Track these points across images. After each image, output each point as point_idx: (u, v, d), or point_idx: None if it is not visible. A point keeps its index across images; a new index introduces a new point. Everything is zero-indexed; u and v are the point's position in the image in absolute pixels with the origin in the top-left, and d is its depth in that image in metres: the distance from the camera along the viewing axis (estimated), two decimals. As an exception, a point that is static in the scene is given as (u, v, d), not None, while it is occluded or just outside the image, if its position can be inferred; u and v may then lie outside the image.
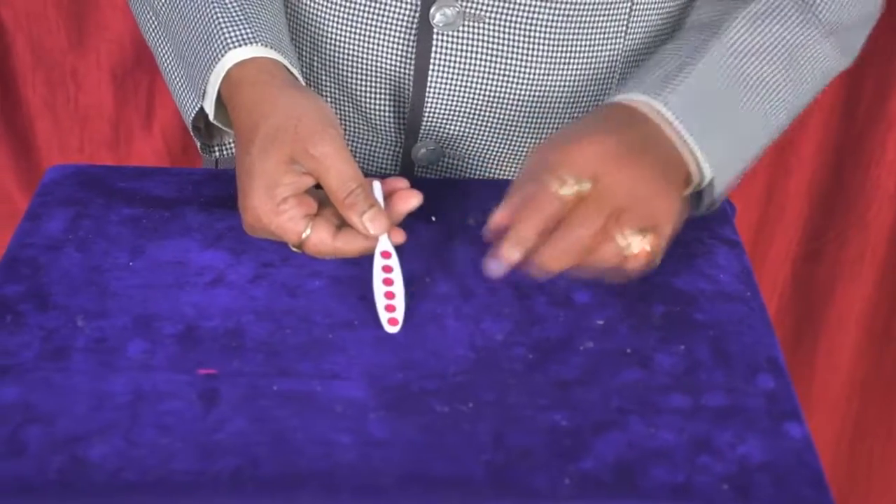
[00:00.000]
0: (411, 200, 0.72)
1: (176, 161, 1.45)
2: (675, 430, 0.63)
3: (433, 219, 0.79)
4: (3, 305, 0.70)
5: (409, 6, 0.81)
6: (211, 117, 0.77)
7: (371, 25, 0.82)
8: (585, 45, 0.83)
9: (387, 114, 0.87)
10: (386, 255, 0.71)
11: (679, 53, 0.78)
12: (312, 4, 0.84)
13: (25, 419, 0.62)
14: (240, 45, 0.74)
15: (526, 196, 0.68)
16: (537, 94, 0.85)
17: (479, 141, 0.87)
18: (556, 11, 0.81)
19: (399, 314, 0.70)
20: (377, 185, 0.72)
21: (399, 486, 0.60)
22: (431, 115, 0.85)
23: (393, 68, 0.84)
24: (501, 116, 0.86)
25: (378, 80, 0.85)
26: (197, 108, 0.78)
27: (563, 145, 0.69)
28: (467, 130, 0.86)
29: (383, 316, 0.70)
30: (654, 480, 0.60)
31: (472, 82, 0.84)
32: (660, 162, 0.71)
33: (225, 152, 0.84)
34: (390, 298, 0.70)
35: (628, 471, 0.61)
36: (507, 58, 0.83)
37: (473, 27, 0.81)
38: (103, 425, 0.62)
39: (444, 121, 0.85)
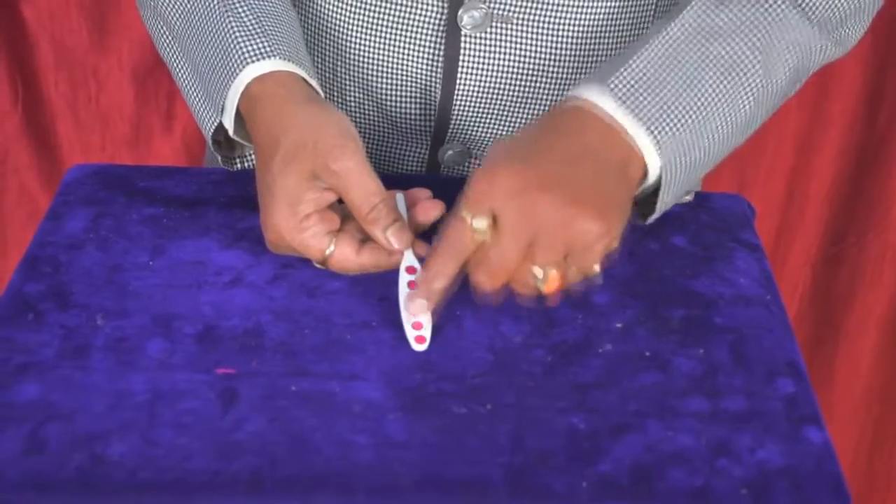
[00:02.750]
0: (434, 212, 0.72)
1: (195, 161, 1.45)
2: (694, 433, 0.63)
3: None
4: (24, 303, 0.71)
5: (436, 9, 0.81)
6: (230, 132, 0.77)
7: (397, 30, 0.82)
8: (610, 44, 0.83)
9: (413, 117, 0.87)
10: (411, 270, 0.70)
11: (639, 42, 0.73)
12: (336, 10, 0.83)
13: (46, 417, 0.63)
14: (258, 60, 0.74)
15: (443, 233, 0.68)
16: (563, 92, 0.85)
17: None
18: (583, 10, 0.81)
19: (426, 332, 0.69)
20: (400, 198, 0.72)
21: (416, 487, 0.60)
22: (459, 117, 0.85)
23: (420, 72, 0.84)
24: (528, 116, 0.85)
25: (405, 83, 0.85)
26: (216, 124, 0.77)
27: (480, 179, 0.67)
28: (494, 131, 0.86)
29: (410, 334, 0.69)
30: (673, 484, 0.60)
31: (499, 83, 0.83)
32: (597, 170, 0.68)
33: (247, 164, 0.84)
34: (417, 315, 0.69)
35: (646, 474, 0.61)
36: (534, 58, 0.82)
37: (501, 28, 0.81)
38: (122, 424, 0.63)
39: (472, 122, 0.85)
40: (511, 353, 0.69)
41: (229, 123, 0.76)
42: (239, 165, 0.84)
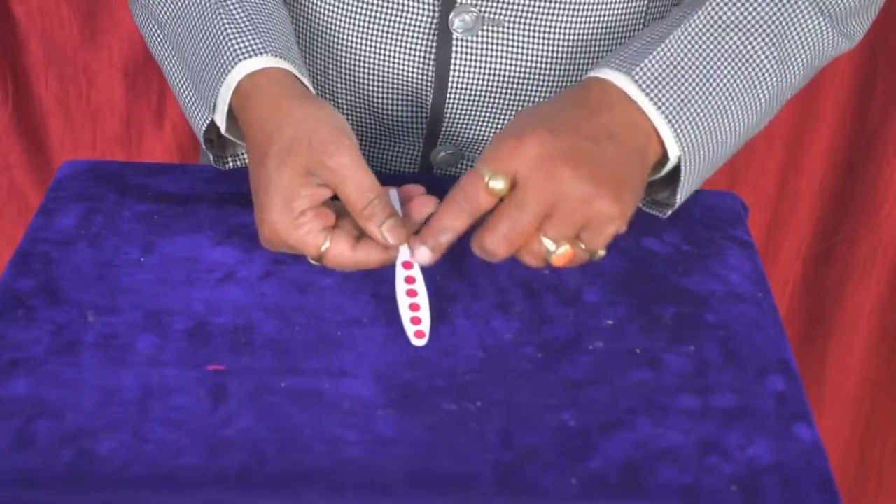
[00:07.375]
0: (428, 207, 0.72)
1: (186, 158, 1.45)
2: (684, 430, 0.63)
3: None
4: (14, 299, 0.71)
5: (427, 13, 0.81)
6: (223, 130, 0.77)
7: (389, 33, 0.82)
8: (602, 46, 0.83)
9: (406, 119, 0.86)
10: (408, 265, 0.70)
11: (657, 29, 0.75)
12: (327, 13, 0.83)
13: (35, 413, 0.63)
14: (249, 57, 0.74)
15: (458, 185, 0.68)
16: (554, 94, 0.84)
17: None
18: (574, 13, 0.81)
19: (425, 326, 0.69)
20: (394, 194, 0.72)
21: (405, 484, 0.60)
22: (451, 119, 0.85)
23: (412, 75, 0.84)
24: None
25: (396, 87, 0.84)
26: (208, 122, 0.77)
27: (506, 139, 0.67)
28: (487, 133, 0.86)
29: (409, 329, 0.69)
30: (662, 481, 0.60)
31: (492, 86, 0.83)
32: (619, 152, 0.69)
33: (238, 163, 0.84)
34: (415, 310, 0.69)
35: (636, 471, 0.61)
36: (525, 60, 0.82)
37: (492, 32, 0.81)
38: (112, 420, 0.63)
39: (464, 125, 0.85)
40: (501, 350, 0.69)
41: (221, 121, 0.76)
42: (231, 165, 0.84)
